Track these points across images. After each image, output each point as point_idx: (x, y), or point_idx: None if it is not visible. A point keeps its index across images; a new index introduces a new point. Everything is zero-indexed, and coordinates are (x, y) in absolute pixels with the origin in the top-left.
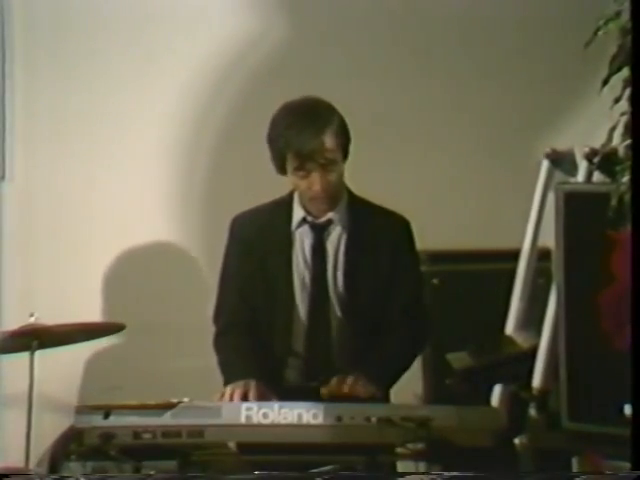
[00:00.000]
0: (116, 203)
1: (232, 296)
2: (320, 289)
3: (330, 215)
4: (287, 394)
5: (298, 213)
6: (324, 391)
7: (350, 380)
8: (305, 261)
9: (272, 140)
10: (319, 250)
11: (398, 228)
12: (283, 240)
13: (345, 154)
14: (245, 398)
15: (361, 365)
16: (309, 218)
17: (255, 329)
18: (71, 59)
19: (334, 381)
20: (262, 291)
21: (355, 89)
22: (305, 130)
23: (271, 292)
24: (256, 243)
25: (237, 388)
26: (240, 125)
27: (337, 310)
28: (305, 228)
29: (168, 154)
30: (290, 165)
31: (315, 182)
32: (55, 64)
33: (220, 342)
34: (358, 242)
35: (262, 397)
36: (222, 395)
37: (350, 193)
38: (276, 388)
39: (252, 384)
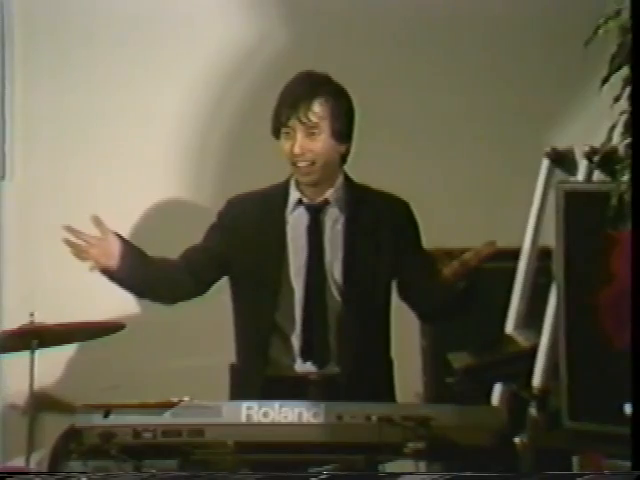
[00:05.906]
0: (117, 204)
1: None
2: (317, 271)
3: (326, 195)
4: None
5: (294, 196)
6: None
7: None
8: (301, 244)
9: (277, 102)
10: (315, 232)
11: (399, 210)
12: (277, 223)
13: (339, 135)
14: None
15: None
16: (305, 200)
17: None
18: (71, 59)
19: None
20: (251, 273)
21: (356, 90)
22: (300, 88)
23: (261, 275)
24: (247, 226)
25: None
26: (247, 126)
27: (335, 293)
28: (300, 210)
29: (170, 156)
30: (280, 121)
31: (296, 143)
32: (55, 64)
33: None
34: (357, 223)
35: None
36: None
37: (347, 177)
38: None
39: None
